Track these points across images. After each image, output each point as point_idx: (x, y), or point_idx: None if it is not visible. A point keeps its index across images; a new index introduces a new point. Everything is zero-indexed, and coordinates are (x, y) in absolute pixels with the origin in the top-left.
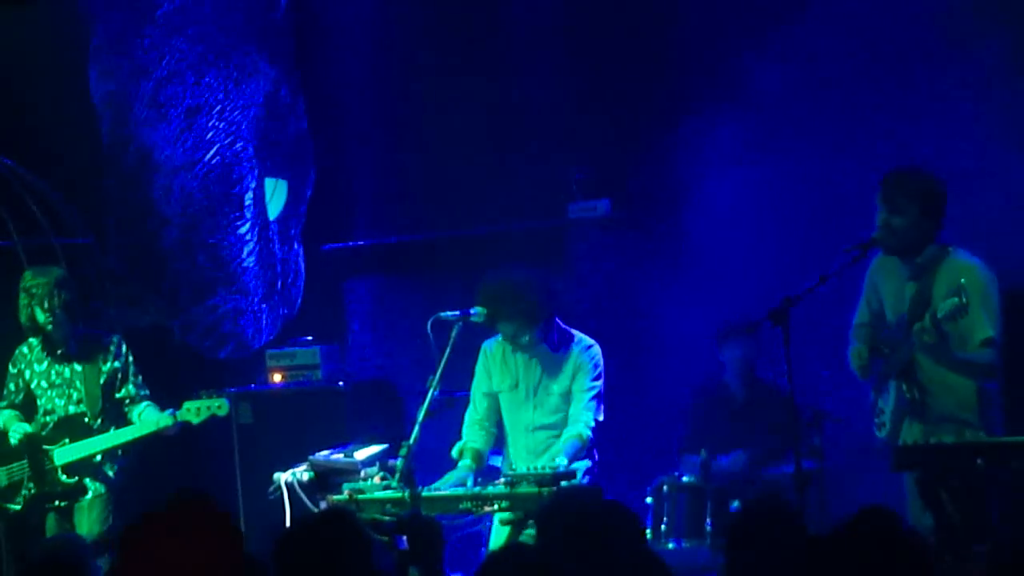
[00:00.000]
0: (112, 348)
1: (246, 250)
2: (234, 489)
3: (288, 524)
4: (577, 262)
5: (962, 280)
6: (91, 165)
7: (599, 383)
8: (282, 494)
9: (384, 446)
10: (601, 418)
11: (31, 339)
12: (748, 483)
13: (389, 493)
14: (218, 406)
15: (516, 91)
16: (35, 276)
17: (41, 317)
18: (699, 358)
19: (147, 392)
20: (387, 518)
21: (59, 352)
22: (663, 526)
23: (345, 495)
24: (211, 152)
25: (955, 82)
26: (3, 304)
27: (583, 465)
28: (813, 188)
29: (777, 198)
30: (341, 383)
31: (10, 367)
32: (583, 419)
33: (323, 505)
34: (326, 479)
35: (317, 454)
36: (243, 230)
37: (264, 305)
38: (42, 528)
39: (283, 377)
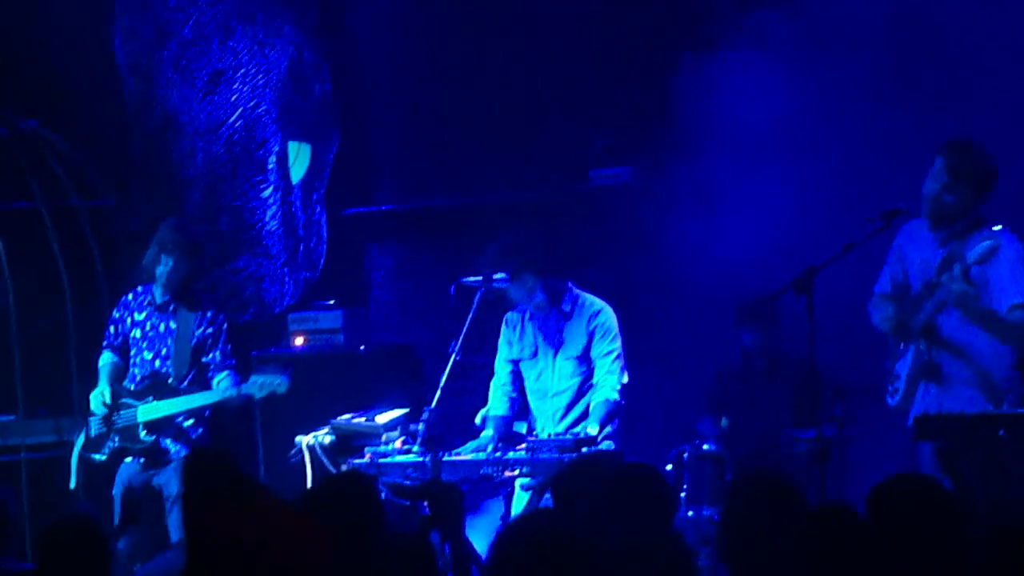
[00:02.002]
0: (210, 315)
1: (269, 213)
2: (256, 452)
3: (309, 487)
4: (599, 229)
5: (994, 240)
6: (115, 127)
7: (617, 344)
8: (304, 457)
9: (405, 410)
10: (626, 380)
11: (138, 287)
12: (771, 449)
13: (410, 457)
14: (279, 383)
15: (540, 57)
16: (172, 230)
17: (161, 267)
18: (722, 326)
19: (233, 362)
20: (408, 482)
21: (161, 306)
22: (683, 494)
23: (366, 459)
24: (235, 115)
25: (996, 44)
26: (26, 265)
27: (606, 430)
28: (838, 156)
29: (801, 167)
30: (363, 347)
31: (114, 312)
32: (609, 383)
33: (344, 468)
34: (347, 443)
35: (339, 418)
36: (266, 193)
37: (286, 268)
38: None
39: (305, 341)
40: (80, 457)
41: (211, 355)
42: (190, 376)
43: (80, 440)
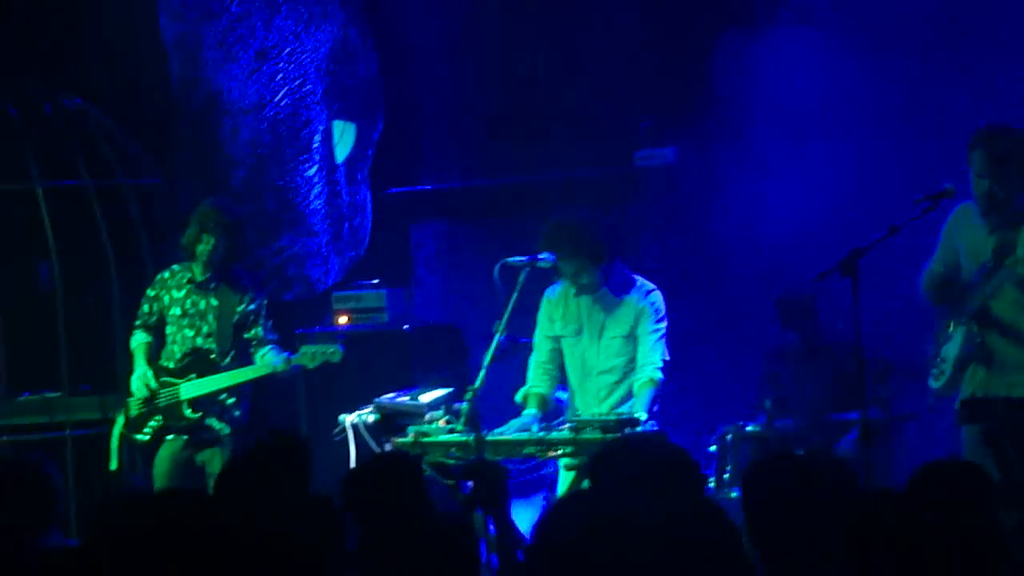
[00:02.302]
0: (251, 292)
1: (313, 192)
2: (299, 430)
3: (352, 466)
4: (643, 209)
5: None
6: (161, 106)
7: (663, 325)
8: (347, 436)
9: (449, 389)
10: (668, 358)
11: (174, 266)
12: (814, 430)
13: (454, 436)
14: (332, 352)
15: (585, 37)
16: (214, 208)
17: (201, 246)
18: (767, 306)
19: (275, 337)
20: (452, 461)
21: (201, 284)
22: (726, 475)
23: (410, 438)
24: (280, 94)
25: None
26: (72, 243)
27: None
28: (883, 133)
29: (845, 145)
30: (407, 326)
31: (148, 290)
32: (651, 362)
33: (388, 447)
34: (391, 421)
35: (382, 396)
36: (311, 172)
37: (330, 248)
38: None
39: (349, 320)
40: (122, 438)
41: (253, 331)
42: (232, 352)
43: (120, 421)
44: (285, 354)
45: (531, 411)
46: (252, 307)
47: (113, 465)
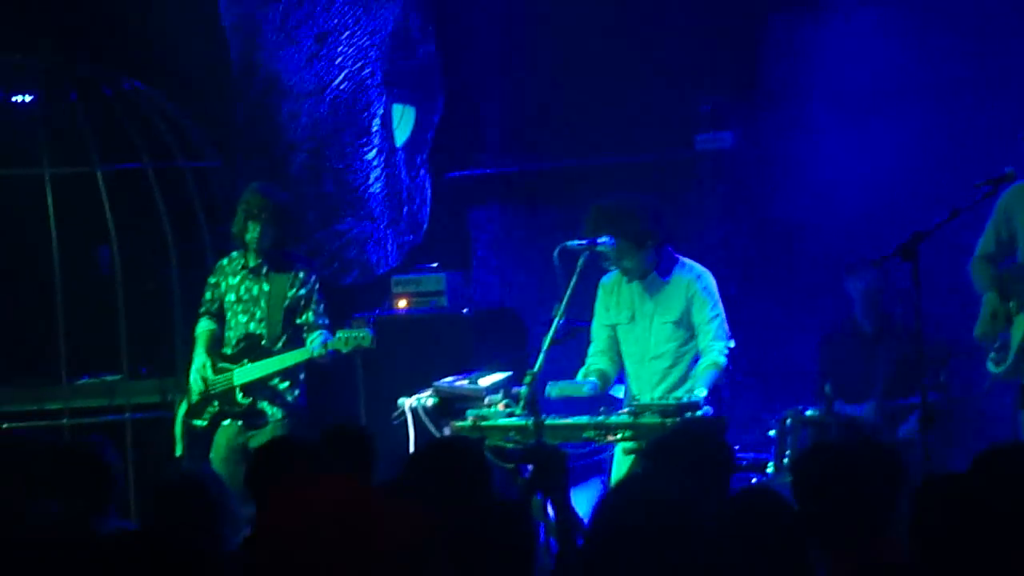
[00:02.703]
0: (301, 276)
1: (372, 176)
2: (358, 414)
3: (412, 450)
4: (703, 194)
5: None
6: (220, 90)
7: (720, 309)
8: (406, 420)
9: (508, 373)
10: (732, 344)
11: (233, 252)
12: (875, 415)
13: (513, 420)
14: (363, 336)
15: (645, 19)
16: (261, 194)
17: (249, 234)
18: (827, 291)
19: (326, 321)
20: (511, 445)
21: (254, 269)
22: (785, 459)
23: (469, 421)
24: (339, 77)
25: None
26: (132, 226)
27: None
28: (945, 117)
29: (905, 127)
30: (465, 310)
31: (210, 278)
32: (716, 347)
33: (447, 431)
34: (450, 405)
35: (441, 380)
36: (370, 156)
37: (390, 231)
38: (223, 446)
39: (408, 303)
40: (184, 424)
41: (304, 316)
42: (284, 337)
43: (183, 408)
44: (322, 339)
45: (593, 379)
46: (303, 292)
47: (178, 451)
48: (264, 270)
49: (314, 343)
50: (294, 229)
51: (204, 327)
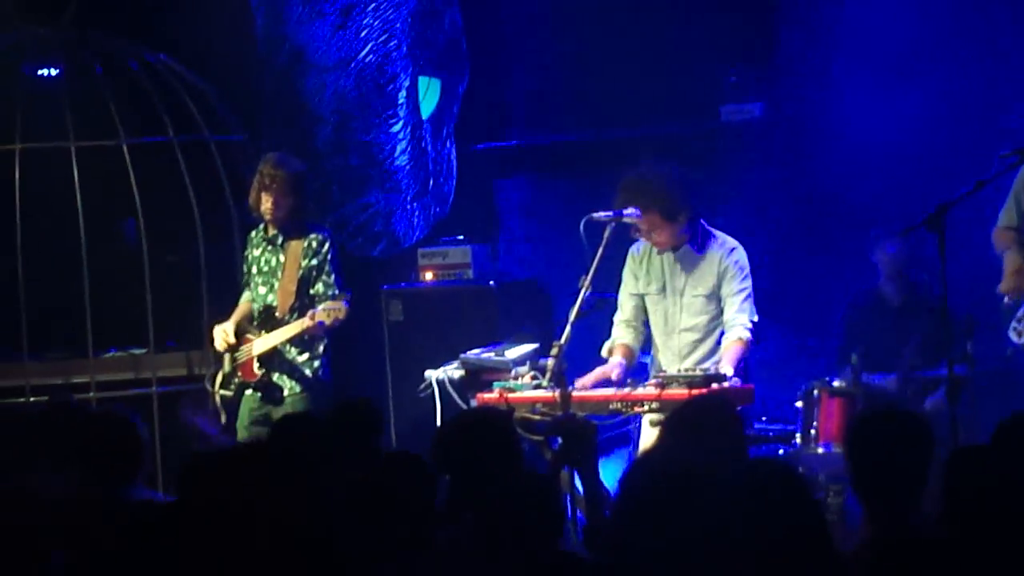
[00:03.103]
0: (314, 245)
1: (399, 148)
2: (384, 385)
3: (439, 422)
4: (730, 165)
5: None
6: (245, 63)
7: (748, 284)
8: (433, 392)
9: (535, 345)
10: (756, 319)
11: (260, 224)
12: (903, 386)
13: (539, 392)
14: (338, 308)
15: None
16: (273, 165)
17: (263, 205)
18: (854, 263)
19: (337, 292)
20: (538, 418)
21: (271, 240)
22: (812, 430)
23: (495, 394)
24: (365, 50)
25: None
26: (158, 199)
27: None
28: (975, 86)
29: (935, 96)
30: (492, 282)
31: (244, 251)
32: (740, 322)
33: (473, 403)
34: (477, 377)
35: (468, 352)
36: (396, 128)
37: (416, 203)
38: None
39: (434, 275)
40: (218, 395)
41: (316, 287)
42: (297, 308)
43: (218, 379)
44: (311, 311)
45: (617, 359)
46: (315, 261)
47: (223, 420)
48: (280, 241)
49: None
50: (310, 199)
51: (244, 297)
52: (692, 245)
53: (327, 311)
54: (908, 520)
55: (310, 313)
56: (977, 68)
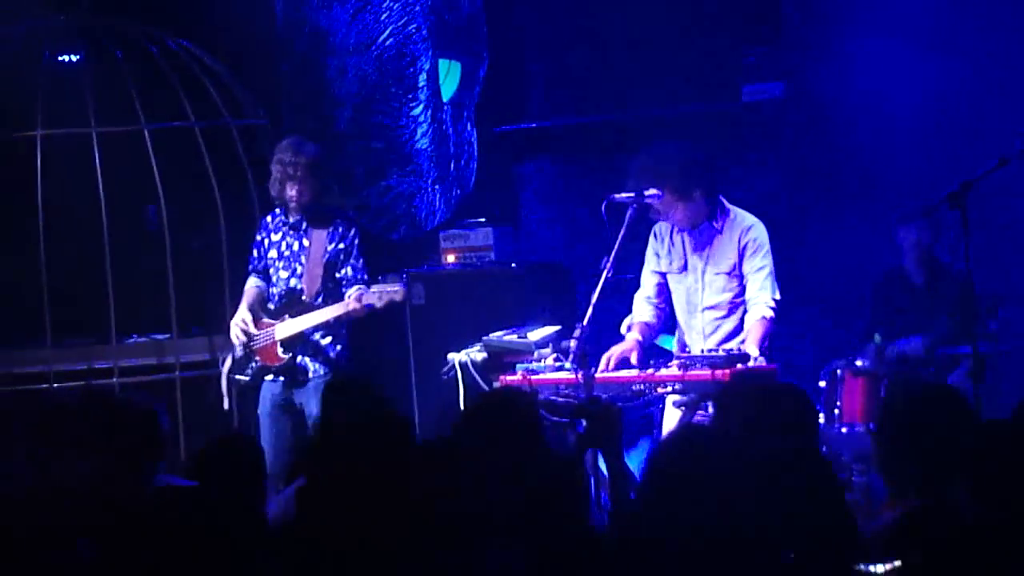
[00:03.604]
0: (341, 230)
1: (420, 131)
2: (407, 369)
3: (462, 404)
4: (752, 144)
5: None
6: (266, 47)
7: (769, 260)
8: (456, 374)
9: (557, 327)
10: (779, 296)
11: (276, 209)
12: (924, 366)
13: (562, 374)
14: (395, 291)
15: None
16: (293, 153)
17: (287, 192)
18: (878, 242)
19: (365, 276)
20: (561, 400)
21: (294, 225)
22: (836, 410)
23: (519, 376)
24: (385, 33)
25: None
26: (180, 184)
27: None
28: (997, 62)
29: (956, 79)
30: (514, 264)
31: (256, 235)
32: (762, 300)
33: (496, 385)
34: (499, 359)
35: (491, 335)
36: (417, 111)
37: (438, 186)
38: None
39: (456, 258)
40: (228, 379)
41: (343, 271)
42: (323, 292)
43: (228, 363)
44: (358, 293)
45: (635, 335)
46: (342, 245)
47: (225, 405)
48: (304, 225)
49: (350, 297)
50: (331, 180)
51: (251, 283)
52: (711, 222)
53: (380, 294)
54: (937, 500)
55: (355, 295)
56: (1001, 42)
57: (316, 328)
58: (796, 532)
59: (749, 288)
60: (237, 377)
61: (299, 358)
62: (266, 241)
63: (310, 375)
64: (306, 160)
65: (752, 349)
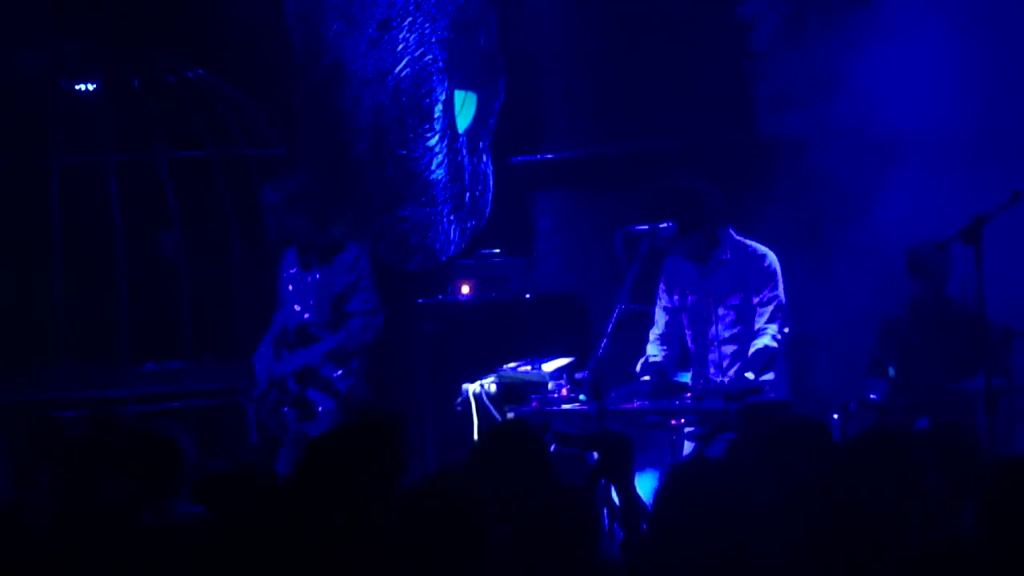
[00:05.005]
0: (349, 260)
1: (435, 162)
2: (421, 400)
3: (476, 435)
4: (766, 177)
5: None
6: (283, 77)
7: (780, 292)
8: (470, 406)
9: (571, 359)
10: (787, 330)
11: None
12: (938, 400)
13: (576, 406)
14: (369, 324)
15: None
16: (273, 191)
17: (285, 232)
18: (892, 276)
19: (370, 307)
20: (575, 431)
21: (305, 260)
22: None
23: (533, 407)
24: (401, 64)
25: None
26: (195, 212)
27: (768, 378)
28: (1007, 104)
29: (972, 112)
30: (528, 296)
31: (281, 269)
32: (769, 331)
33: (510, 417)
34: (513, 391)
35: (505, 366)
36: (432, 142)
37: (452, 217)
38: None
39: (471, 289)
40: (253, 411)
41: (352, 302)
42: (330, 324)
43: (254, 395)
44: (348, 327)
45: (646, 379)
46: (351, 277)
47: (253, 438)
48: (314, 260)
49: (348, 329)
50: (323, 213)
51: (278, 317)
52: (723, 255)
53: (363, 327)
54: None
55: (338, 336)
56: (1014, 78)
57: (323, 361)
58: (808, 566)
59: (757, 320)
60: (260, 409)
61: (308, 391)
62: (283, 275)
63: (320, 409)
64: (280, 199)
65: (748, 375)
